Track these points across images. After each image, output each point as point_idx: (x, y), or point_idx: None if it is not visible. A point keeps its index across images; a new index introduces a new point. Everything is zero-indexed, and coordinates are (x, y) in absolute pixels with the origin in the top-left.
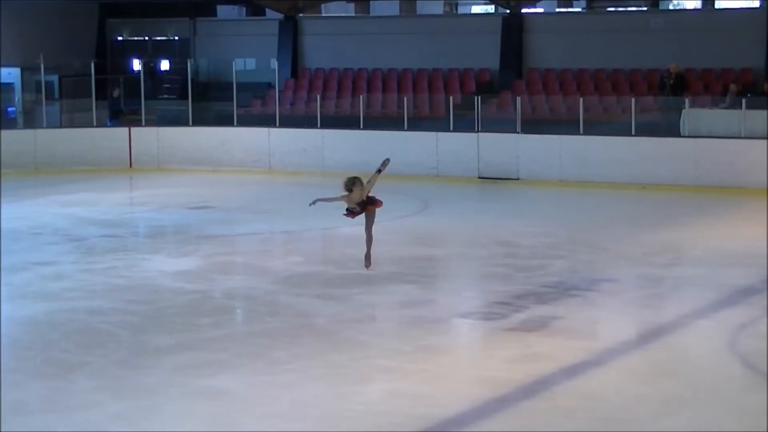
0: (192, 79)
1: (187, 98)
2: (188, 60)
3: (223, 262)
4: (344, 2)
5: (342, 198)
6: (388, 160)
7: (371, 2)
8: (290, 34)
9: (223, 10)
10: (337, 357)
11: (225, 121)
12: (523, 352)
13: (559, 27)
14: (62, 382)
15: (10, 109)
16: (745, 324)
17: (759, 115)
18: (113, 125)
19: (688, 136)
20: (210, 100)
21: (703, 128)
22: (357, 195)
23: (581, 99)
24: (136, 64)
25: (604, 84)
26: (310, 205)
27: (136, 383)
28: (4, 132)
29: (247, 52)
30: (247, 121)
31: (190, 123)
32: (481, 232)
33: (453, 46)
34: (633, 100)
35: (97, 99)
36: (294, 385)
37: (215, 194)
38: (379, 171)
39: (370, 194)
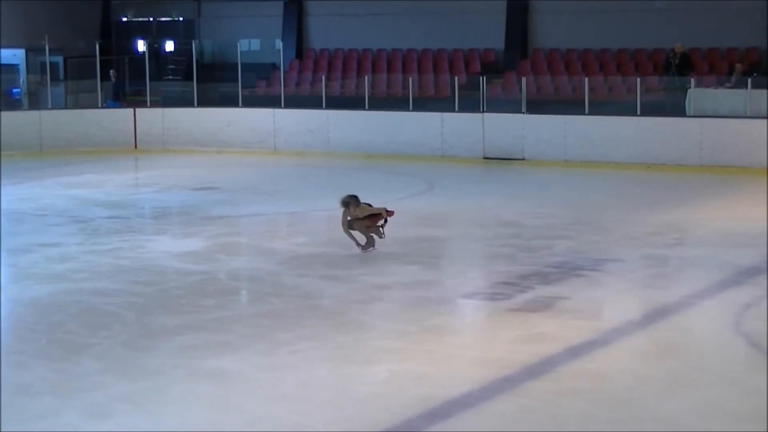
0: (197, 60)
1: (191, 79)
2: (193, 41)
3: (228, 243)
4: None
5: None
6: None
7: None
8: (295, 15)
9: None
10: (341, 338)
11: (230, 102)
12: (527, 333)
13: (564, 7)
14: (67, 363)
15: (15, 90)
16: (750, 304)
17: (764, 94)
18: (114, 106)
19: (693, 116)
20: (215, 81)
21: (709, 108)
22: (359, 211)
23: (586, 79)
24: (141, 45)
25: (609, 64)
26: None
27: (141, 364)
28: (10, 114)
29: (252, 33)
30: (252, 102)
31: (195, 104)
32: (486, 213)
33: (458, 27)
34: (638, 80)
35: (101, 80)
36: (299, 366)
37: (220, 175)
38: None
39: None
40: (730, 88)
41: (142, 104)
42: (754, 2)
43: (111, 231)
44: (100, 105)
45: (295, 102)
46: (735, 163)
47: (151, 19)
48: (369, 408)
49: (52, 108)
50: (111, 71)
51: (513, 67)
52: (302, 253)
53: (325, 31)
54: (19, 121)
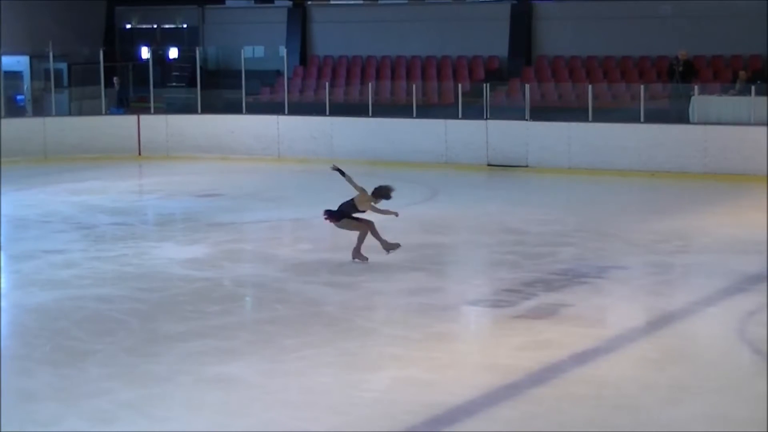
0: (201, 67)
1: (195, 86)
2: (197, 48)
3: (232, 250)
4: None
5: (363, 195)
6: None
7: None
8: (299, 22)
9: None
10: (346, 344)
11: (234, 108)
12: (532, 340)
13: (569, 14)
14: (72, 369)
15: (19, 97)
16: (754, 311)
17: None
18: (118, 113)
19: (697, 123)
20: (219, 88)
21: (712, 115)
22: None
23: (590, 86)
24: (145, 52)
25: (613, 71)
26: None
27: (145, 371)
28: (14, 120)
29: (256, 39)
30: (255, 108)
31: (199, 111)
32: (490, 220)
33: (462, 34)
34: (642, 87)
35: (105, 87)
36: (303, 372)
37: (224, 182)
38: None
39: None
40: (734, 95)
41: (146, 111)
42: (759, 10)
43: (115, 237)
44: (104, 112)
45: (299, 109)
46: (739, 170)
47: (155, 26)
48: (373, 414)
49: (56, 115)
50: (114, 78)
51: (517, 74)
52: (306, 259)
53: (329, 38)
54: (23, 127)
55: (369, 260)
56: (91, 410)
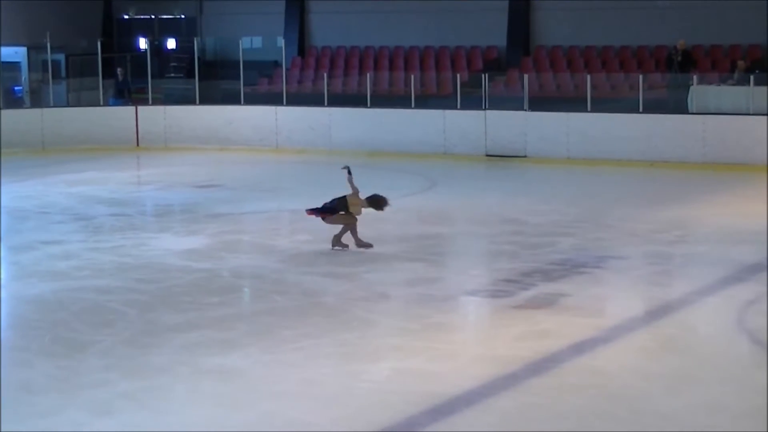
0: (198, 58)
1: (193, 77)
2: (195, 38)
3: (230, 241)
4: None
5: (357, 198)
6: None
7: None
8: (297, 12)
9: None
10: (344, 335)
11: (232, 99)
12: (530, 330)
13: (567, 4)
14: (70, 361)
15: (17, 88)
16: (753, 301)
17: (766, 91)
18: (116, 104)
19: (696, 113)
20: (217, 79)
21: (711, 105)
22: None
23: (589, 76)
24: (143, 43)
25: (612, 61)
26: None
27: (144, 362)
28: (12, 111)
29: (254, 30)
30: (254, 99)
31: (197, 102)
32: (489, 210)
33: (460, 24)
34: (640, 77)
35: (103, 78)
36: (302, 363)
37: (222, 173)
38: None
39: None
40: (733, 85)
41: (144, 102)
42: (757, 0)
43: (114, 228)
44: (102, 103)
45: (297, 99)
46: (737, 160)
47: (153, 16)
48: (372, 405)
49: (54, 106)
50: (119, 69)
51: (515, 65)
52: (305, 250)
53: (327, 29)
54: (21, 118)
55: (349, 248)
56: (90, 401)
